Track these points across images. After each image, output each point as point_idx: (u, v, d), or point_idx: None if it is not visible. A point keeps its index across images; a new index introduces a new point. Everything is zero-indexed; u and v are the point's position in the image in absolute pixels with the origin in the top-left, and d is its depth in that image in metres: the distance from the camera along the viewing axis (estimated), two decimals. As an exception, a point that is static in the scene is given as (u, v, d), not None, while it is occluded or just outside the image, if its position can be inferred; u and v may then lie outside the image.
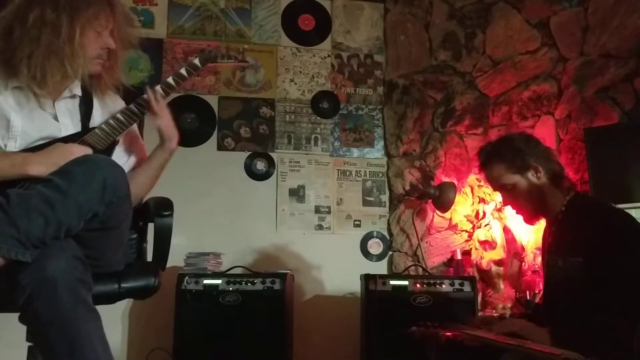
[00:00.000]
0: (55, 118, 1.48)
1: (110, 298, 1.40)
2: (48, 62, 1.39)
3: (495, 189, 1.91)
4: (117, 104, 1.64)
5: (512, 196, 1.79)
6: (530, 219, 1.83)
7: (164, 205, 1.60)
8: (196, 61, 1.62)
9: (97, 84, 1.58)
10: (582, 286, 1.55)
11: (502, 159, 1.77)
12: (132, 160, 1.65)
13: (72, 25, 1.40)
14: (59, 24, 1.39)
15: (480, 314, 2.62)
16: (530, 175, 1.74)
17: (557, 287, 1.70)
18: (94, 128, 1.49)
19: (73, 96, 1.53)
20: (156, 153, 1.63)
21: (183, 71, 1.60)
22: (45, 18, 1.38)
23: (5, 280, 1.09)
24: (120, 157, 1.60)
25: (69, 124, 1.50)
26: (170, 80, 1.59)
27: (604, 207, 1.73)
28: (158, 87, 1.58)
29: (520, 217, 1.86)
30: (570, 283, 1.60)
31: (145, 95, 1.55)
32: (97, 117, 1.57)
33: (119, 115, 1.50)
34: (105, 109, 1.60)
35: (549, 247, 1.78)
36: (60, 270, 1.10)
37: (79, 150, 1.37)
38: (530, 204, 1.77)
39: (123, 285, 1.41)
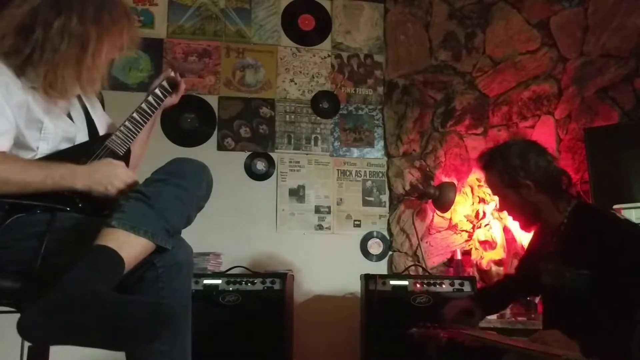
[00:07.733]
0: (70, 118, 1.48)
1: None
2: (66, 72, 1.37)
3: (492, 194, 1.93)
4: (96, 102, 1.64)
5: (505, 205, 1.80)
6: (524, 228, 1.84)
7: None
8: (165, 83, 1.65)
9: None
10: (589, 298, 1.53)
11: (495, 170, 1.75)
12: None
13: (100, 41, 1.40)
14: (87, 38, 1.37)
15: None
16: (523, 191, 1.69)
17: (563, 298, 1.65)
18: (110, 134, 1.50)
19: (77, 96, 1.53)
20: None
21: (158, 92, 1.63)
22: (72, 29, 1.35)
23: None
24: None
25: (80, 124, 1.50)
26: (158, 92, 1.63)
27: (609, 219, 1.68)
28: (150, 98, 1.60)
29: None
30: (577, 295, 1.57)
31: (144, 105, 1.57)
32: (93, 115, 1.57)
33: (127, 123, 1.52)
34: (93, 108, 1.60)
35: (550, 255, 1.72)
36: (186, 258, 1.27)
37: (125, 172, 1.39)
38: (522, 216, 1.77)
39: None
